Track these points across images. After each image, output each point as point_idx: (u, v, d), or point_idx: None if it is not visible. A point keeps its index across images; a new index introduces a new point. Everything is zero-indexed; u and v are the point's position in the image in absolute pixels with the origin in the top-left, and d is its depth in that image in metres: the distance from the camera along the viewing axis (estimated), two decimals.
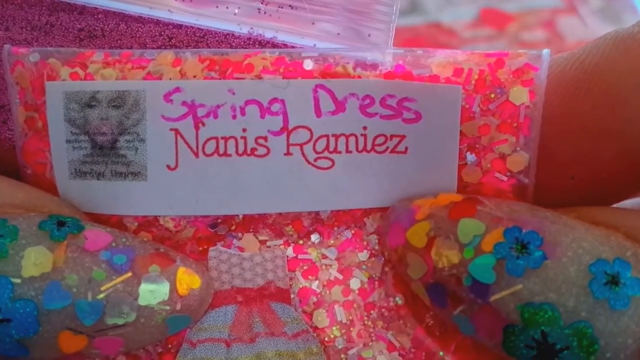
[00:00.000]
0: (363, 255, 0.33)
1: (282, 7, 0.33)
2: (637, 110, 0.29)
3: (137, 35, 0.34)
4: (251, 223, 0.32)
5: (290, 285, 0.32)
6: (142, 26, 0.34)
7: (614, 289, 0.28)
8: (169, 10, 0.34)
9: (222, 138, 0.31)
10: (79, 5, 0.34)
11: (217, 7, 0.33)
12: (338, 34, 0.33)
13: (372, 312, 0.32)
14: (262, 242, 0.33)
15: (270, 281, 0.32)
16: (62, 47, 0.33)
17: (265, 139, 0.31)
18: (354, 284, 0.32)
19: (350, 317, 0.32)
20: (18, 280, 0.28)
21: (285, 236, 0.33)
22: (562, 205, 0.31)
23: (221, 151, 0.31)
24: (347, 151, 0.32)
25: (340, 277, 0.32)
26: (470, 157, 0.31)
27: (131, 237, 0.31)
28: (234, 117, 0.31)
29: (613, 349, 0.28)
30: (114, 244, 0.30)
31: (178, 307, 0.30)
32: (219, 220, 0.32)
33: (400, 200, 0.32)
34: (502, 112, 0.31)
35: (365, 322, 0.32)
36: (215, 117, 0.31)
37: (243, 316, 0.32)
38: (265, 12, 0.33)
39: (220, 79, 0.31)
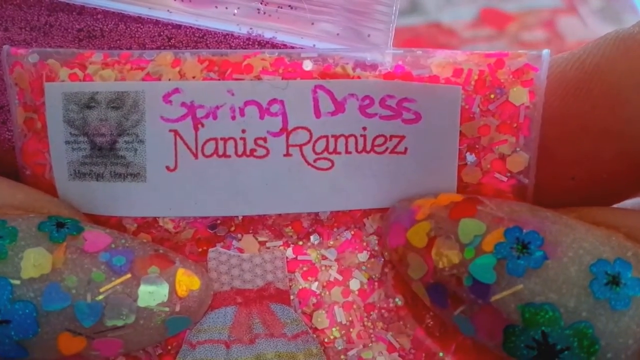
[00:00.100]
0: (363, 256, 0.33)
1: (281, 8, 0.33)
2: (637, 110, 0.29)
3: (137, 36, 0.34)
4: (250, 224, 0.32)
5: (290, 286, 0.32)
6: (142, 26, 0.34)
7: (615, 289, 0.27)
8: (168, 10, 0.34)
9: (221, 139, 0.31)
10: (78, 5, 0.34)
11: (216, 7, 0.33)
12: (337, 34, 0.33)
13: (371, 313, 0.32)
14: (262, 243, 0.33)
15: (269, 282, 0.32)
16: (61, 47, 0.33)
17: (265, 139, 0.31)
18: (354, 284, 0.32)
19: (350, 318, 0.32)
20: (17, 282, 0.28)
21: (284, 237, 0.33)
22: (562, 205, 0.31)
23: (220, 152, 0.31)
24: (347, 152, 0.31)
25: (340, 278, 0.32)
26: (470, 157, 0.31)
27: (130, 239, 0.31)
28: (233, 118, 0.31)
29: (614, 350, 0.27)
30: (113, 246, 0.30)
31: (177, 308, 0.30)
32: (219, 222, 0.32)
33: (401, 200, 0.32)
34: (502, 113, 0.31)
35: (365, 323, 0.32)
36: (215, 118, 0.31)
37: (243, 317, 0.32)
38: (264, 13, 0.33)
39: (219, 79, 0.31)
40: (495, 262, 0.28)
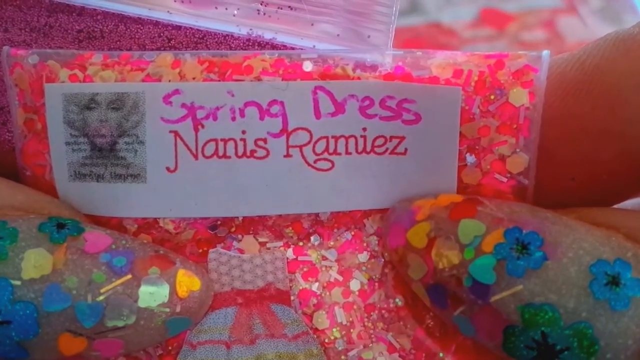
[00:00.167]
0: (363, 257, 0.33)
1: (281, 8, 0.33)
2: (637, 111, 0.29)
3: (136, 37, 0.34)
4: (251, 225, 0.32)
5: (290, 287, 0.32)
6: (141, 27, 0.34)
7: (615, 289, 0.27)
8: (168, 11, 0.34)
9: (221, 140, 0.31)
10: (78, 6, 0.34)
11: (216, 8, 0.33)
12: (337, 35, 0.33)
13: (372, 313, 0.32)
14: (262, 244, 0.33)
15: (270, 283, 0.32)
16: (61, 48, 0.33)
17: (265, 140, 0.31)
18: (354, 285, 0.32)
19: (351, 319, 0.32)
20: (18, 283, 0.28)
21: (285, 238, 0.33)
22: (562, 206, 0.31)
23: (220, 153, 0.31)
24: (347, 153, 0.32)
25: (340, 278, 0.32)
26: (470, 158, 0.31)
27: (131, 239, 0.31)
28: (234, 119, 0.31)
29: (613, 350, 0.27)
30: (113, 246, 0.30)
31: (178, 309, 0.30)
32: (219, 222, 0.32)
33: (401, 201, 0.32)
34: (502, 114, 0.31)
35: (366, 323, 0.32)
36: (215, 119, 0.31)
37: (243, 318, 0.32)
38: (264, 13, 0.33)
39: (219, 80, 0.31)
40: (495, 263, 0.28)
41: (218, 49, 0.34)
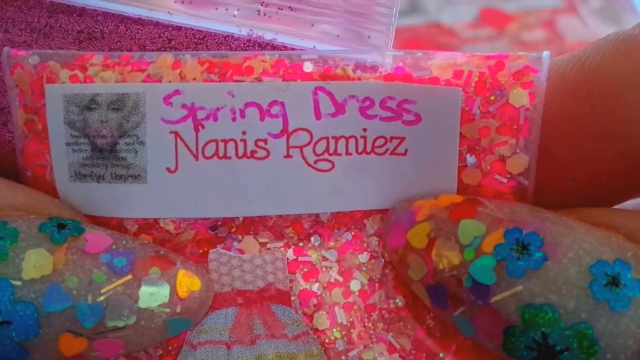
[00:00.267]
0: (363, 257, 0.33)
1: (281, 9, 0.33)
2: (637, 111, 0.29)
3: (137, 37, 0.34)
4: (251, 225, 0.32)
5: (291, 287, 0.32)
6: (142, 28, 0.34)
7: (615, 290, 0.28)
8: (168, 12, 0.34)
9: (221, 141, 0.31)
10: (78, 7, 0.34)
11: (216, 8, 0.33)
12: (338, 35, 0.33)
13: (372, 313, 0.32)
14: (262, 245, 0.33)
15: (270, 283, 0.32)
16: (61, 49, 0.33)
17: (265, 141, 0.31)
18: (354, 285, 0.32)
19: (351, 319, 0.32)
20: (18, 283, 0.28)
21: (285, 238, 0.33)
22: (562, 206, 0.31)
23: (221, 154, 0.31)
24: (347, 153, 0.32)
25: (341, 279, 0.32)
26: (470, 159, 0.31)
27: (131, 240, 0.31)
28: (234, 119, 0.31)
29: (613, 350, 0.28)
30: (114, 247, 0.30)
31: (178, 309, 0.30)
32: (219, 223, 0.32)
33: (401, 201, 0.32)
34: (502, 114, 0.31)
35: (366, 323, 0.32)
36: (215, 119, 0.31)
37: (243, 318, 0.32)
38: (264, 14, 0.33)
39: (219, 81, 0.31)
40: (495, 263, 0.28)
41: (218, 50, 0.34)
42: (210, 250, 0.32)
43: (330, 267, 0.32)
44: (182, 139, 0.31)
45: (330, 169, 0.32)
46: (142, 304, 0.29)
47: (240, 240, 0.32)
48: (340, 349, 0.32)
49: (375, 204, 0.32)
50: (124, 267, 0.29)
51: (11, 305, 0.28)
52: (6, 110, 0.34)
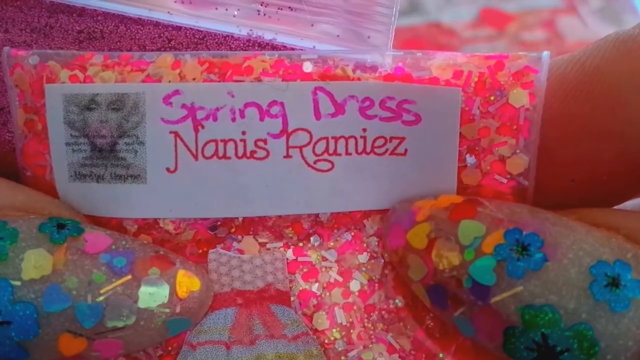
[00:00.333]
0: (363, 258, 0.33)
1: (281, 9, 0.33)
2: (637, 111, 0.29)
3: (137, 37, 0.34)
4: (251, 225, 0.32)
5: (290, 287, 0.32)
6: (142, 28, 0.34)
7: (615, 291, 0.28)
8: (168, 12, 0.34)
9: (221, 141, 0.31)
10: (78, 7, 0.34)
11: (216, 8, 0.33)
12: (337, 35, 0.33)
13: (372, 314, 0.32)
14: (262, 245, 0.33)
15: (270, 283, 0.32)
16: (61, 49, 0.33)
17: (265, 141, 0.31)
18: (354, 286, 0.32)
19: (350, 319, 0.32)
20: (18, 283, 0.28)
21: (285, 239, 0.33)
22: (562, 207, 0.31)
23: (220, 154, 0.31)
24: (347, 153, 0.32)
25: (340, 279, 0.32)
26: (470, 159, 0.31)
27: (131, 240, 0.31)
28: (234, 119, 0.31)
29: (613, 351, 0.27)
30: (113, 247, 0.30)
31: (178, 309, 0.30)
32: (219, 223, 0.32)
33: (401, 201, 0.32)
34: (502, 115, 0.31)
35: (365, 324, 0.32)
36: (215, 119, 0.31)
37: (243, 319, 0.32)
38: (264, 14, 0.33)
39: (219, 81, 0.31)
40: (495, 264, 0.28)
41: (218, 50, 0.34)
42: (210, 251, 0.32)
43: (330, 268, 0.32)
44: (181, 139, 0.31)
45: (330, 169, 0.32)
46: (141, 304, 0.29)
47: (240, 241, 0.32)
48: (339, 349, 0.32)
49: (375, 204, 0.32)
50: (123, 267, 0.29)
51: (11, 305, 0.28)
52: (6, 110, 0.34)
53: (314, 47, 0.34)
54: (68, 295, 0.28)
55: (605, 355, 0.27)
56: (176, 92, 0.31)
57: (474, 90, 0.31)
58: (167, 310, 0.30)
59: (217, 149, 0.31)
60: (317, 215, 0.32)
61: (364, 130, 0.31)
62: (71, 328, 0.29)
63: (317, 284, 0.32)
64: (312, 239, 0.33)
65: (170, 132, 0.31)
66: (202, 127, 0.31)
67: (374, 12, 0.33)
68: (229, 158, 0.31)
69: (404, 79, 0.31)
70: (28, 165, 0.32)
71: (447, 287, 0.30)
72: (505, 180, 0.31)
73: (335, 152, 0.31)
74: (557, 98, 0.30)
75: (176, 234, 0.32)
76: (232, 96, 0.31)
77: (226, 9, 0.33)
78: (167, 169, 0.31)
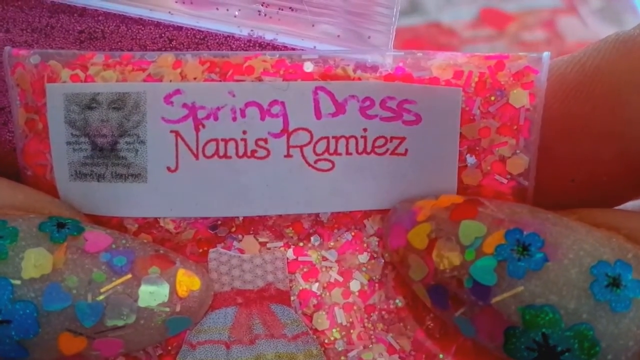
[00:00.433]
0: (363, 258, 0.33)
1: (282, 9, 0.33)
2: (637, 111, 0.29)
3: (138, 37, 0.34)
4: (251, 225, 0.32)
5: (290, 287, 0.32)
6: (143, 28, 0.34)
7: (615, 291, 0.28)
8: (169, 12, 0.34)
9: (222, 140, 0.31)
10: (79, 7, 0.34)
11: (217, 9, 0.33)
12: (338, 35, 0.33)
13: (372, 314, 0.32)
14: (262, 244, 0.33)
15: (270, 283, 0.32)
16: (62, 49, 0.33)
17: (266, 140, 0.31)
18: (354, 286, 0.32)
19: (351, 320, 0.32)
20: (18, 282, 0.28)
21: (285, 238, 0.33)
22: (562, 207, 0.31)
23: (221, 153, 0.31)
24: (347, 153, 0.32)
25: (341, 279, 0.32)
26: (470, 159, 0.31)
27: (131, 239, 0.31)
28: (234, 119, 0.31)
29: (614, 351, 0.28)
30: (114, 246, 0.30)
31: (178, 308, 0.30)
32: (219, 222, 0.32)
33: (402, 201, 0.32)
34: (502, 115, 0.31)
35: (366, 324, 0.32)
36: (216, 119, 0.31)
37: (243, 318, 0.32)
38: (265, 14, 0.33)
39: (220, 81, 0.31)
40: (495, 264, 0.28)
41: (219, 50, 0.34)
42: (210, 250, 0.32)
43: (330, 267, 0.32)
44: (182, 138, 0.31)
45: (331, 169, 0.32)
46: (141, 303, 0.29)
47: (240, 240, 0.32)
48: (339, 349, 0.32)
49: (375, 204, 0.32)
50: (123, 266, 0.29)
51: (11, 304, 0.28)
52: (7, 110, 0.34)
53: (315, 47, 0.34)
54: (68, 294, 0.28)
55: (605, 355, 0.27)
56: (177, 91, 0.31)
57: (475, 91, 0.31)
58: (167, 309, 0.30)
59: (217, 149, 0.31)
60: (317, 215, 0.32)
61: (365, 130, 0.31)
62: (71, 327, 0.29)
63: (317, 284, 0.32)
64: (312, 238, 0.33)
65: (171, 132, 0.31)
66: (203, 126, 0.31)
67: (374, 12, 0.33)
68: (230, 157, 0.31)
69: (404, 79, 0.31)
70: (29, 165, 0.32)
71: (448, 287, 0.30)
72: (505, 181, 0.31)
73: (335, 152, 0.31)
74: (557, 98, 0.30)
75: (176, 233, 0.32)
76: (233, 96, 0.31)
77: (227, 10, 0.33)
78: (168, 168, 0.31)
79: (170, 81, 0.31)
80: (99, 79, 0.31)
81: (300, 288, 0.32)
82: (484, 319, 0.29)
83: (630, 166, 0.30)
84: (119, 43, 0.34)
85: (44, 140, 0.32)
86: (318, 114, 0.31)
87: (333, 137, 0.31)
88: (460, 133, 0.31)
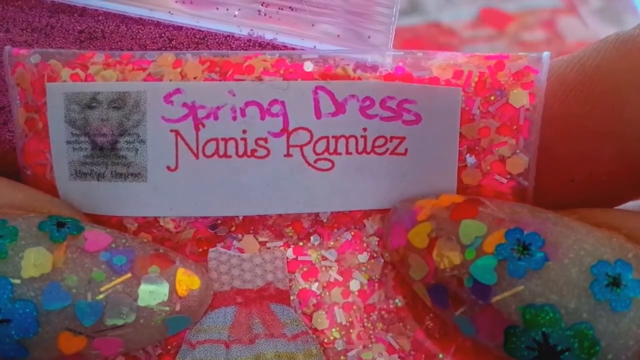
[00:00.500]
0: (363, 257, 0.33)
1: (282, 9, 0.33)
2: (637, 111, 0.29)
3: (138, 37, 0.34)
4: (251, 224, 0.32)
5: (290, 286, 0.32)
6: (143, 28, 0.34)
7: (616, 290, 0.28)
8: (169, 12, 0.34)
9: (222, 139, 0.31)
10: (80, 7, 0.34)
11: (217, 8, 0.33)
12: (338, 35, 0.33)
13: (371, 314, 0.32)
14: (262, 244, 0.33)
15: (269, 282, 0.32)
16: (62, 48, 0.33)
17: (265, 140, 0.31)
18: (354, 285, 0.32)
19: (350, 319, 0.32)
20: (18, 281, 0.28)
21: (285, 238, 0.33)
22: (562, 207, 0.31)
23: (221, 152, 0.31)
24: (347, 153, 0.32)
25: (340, 278, 0.32)
26: (470, 159, 0.31)
27: (131, 238, 0.31)
28: (234, 118, 0.31)
29: (614, 351, 0.28)
30: (113, 245, 0.30)
31: (177, 308, 0.30)
32: (219, 222, 0.32)
33: (402, 201, 0.32)
34: (502, 115, 0.31)
35: (365, 324, 0.32)
36: (216, 118, 0.31)
37: (242, 317, 0.32)
38: (265, 14, 0.33)
39: (220, 80, 0.31)
40: (496, 263, 0.28)
41: (219, 50, 0.34)
42: (210, 249, 0.32)
43: (330, 267, 0.33)
44: (182, 138, 0.31)
45: (330, 169, 0.32)
46: (141, 302, 0.29)
47: (240, 239, 0.32)
48: (339, 349, 0.32)
49: (375, 204, 0.32)
50: (123, 266, 0.29)
51: (10, 303, 0.28)
52: (7, 109, 0.34)
53: (315, 46, 0.34)
54: (68, 293, 0.28)
55: (605, 354, 0.27)
56: (177, 90, 0.31)
57: (474, 90, 0.31)
58: (167, 308, 0.30)
59: (217, 148, 0.31)
60: (317, 215, 0.32)
61: (365, 129, 0.31)
62: (71, 326, 0.29)
63: (316, 284, 0.32)
64: (312, 238, 0.33)
65: (171, 131, 0.31)
66: (203, 125, 0.31)
67: (374, 12, 0.33)
68: (230, 157, 0.31)
69: (404, 78, 0.31)
70: (28, 164, 0.32)
71: (448, 286, 0.30)
72: (505, 180, 0.31)
73: (335, 152, 0.31)
74: (557, 98, 0.30)
75: (176, 233, 0.32)
76: (233, 95, 0.31)
77: (227, 9, 0.34)
78: (168, 168, 0.31)
79: (170, 80, 0.31)
80: (99, 79, 0.31)
81: (300, 287, 0.32)
82: (484, 318, 0.29)
83: (630, 166, 0.30)
84: (119, 43, 0.34)
85: (44, 139, 0.32)
86: (318, 113, 0.31)
87: (333, 137, 0.31)
88: (460, 133, 0.31)
